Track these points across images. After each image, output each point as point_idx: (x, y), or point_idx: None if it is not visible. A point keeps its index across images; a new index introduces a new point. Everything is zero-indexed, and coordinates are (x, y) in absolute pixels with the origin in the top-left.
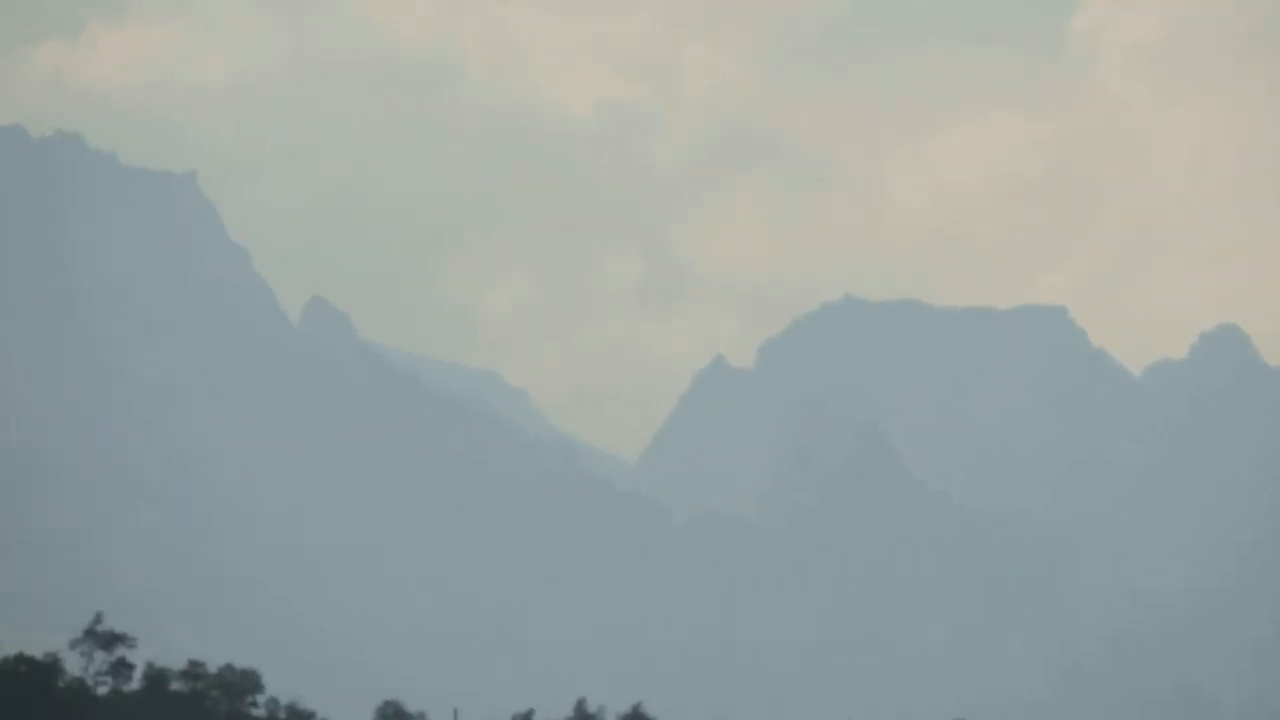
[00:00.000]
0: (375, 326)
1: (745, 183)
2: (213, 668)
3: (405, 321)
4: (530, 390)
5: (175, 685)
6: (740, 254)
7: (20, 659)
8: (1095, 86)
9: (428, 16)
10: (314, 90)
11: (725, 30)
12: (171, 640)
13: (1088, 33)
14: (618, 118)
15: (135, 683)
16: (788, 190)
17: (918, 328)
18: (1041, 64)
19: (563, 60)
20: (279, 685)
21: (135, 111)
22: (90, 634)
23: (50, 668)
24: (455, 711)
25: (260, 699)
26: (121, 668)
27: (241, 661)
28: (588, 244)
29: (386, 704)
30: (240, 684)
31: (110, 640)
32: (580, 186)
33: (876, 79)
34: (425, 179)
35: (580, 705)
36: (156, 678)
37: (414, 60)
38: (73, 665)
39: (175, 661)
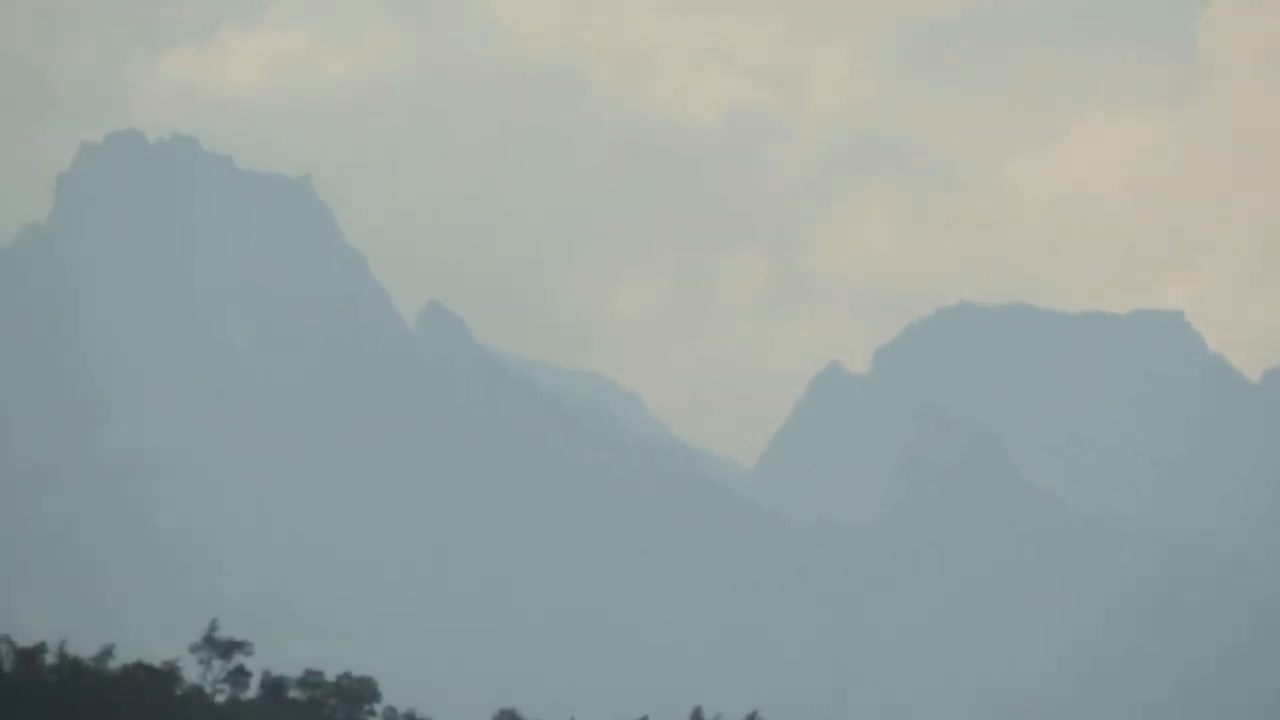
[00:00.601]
0: (491, 331)
1: (868, 187)
2: (330, 676)
3: (522, 327)
4: (645, 395)
5: (293, 693)
6: (861, 259)
7: (140, 666)
8: (1223, 87)
9: (556, 24)
10: (440, 97)
11: (848, 35)
12: (289, 648)
13: (1217, 32)
14: (742, 123)
15: (253, 690)
16: (911, 194)
17: (1032, 332)
18: (1169, 64)
19: (688, 67)
20: (392, 692)
21: (262, 116)
22: (208, 641)
23: (169, 675)
24: (572, 719)
25: (378, 707)
26: (239, 675)
27: (361, 670)
28: (711, 250)
29: (503, 713)
30: (358, 692)
31: (228, 648)
32: (705, 192)
33: (1001, 81)
34: (550, 186)
35: (696, 713)
36: (274, 686)
37: (541, 67)
38: (191, 673)
39: (292, 670)
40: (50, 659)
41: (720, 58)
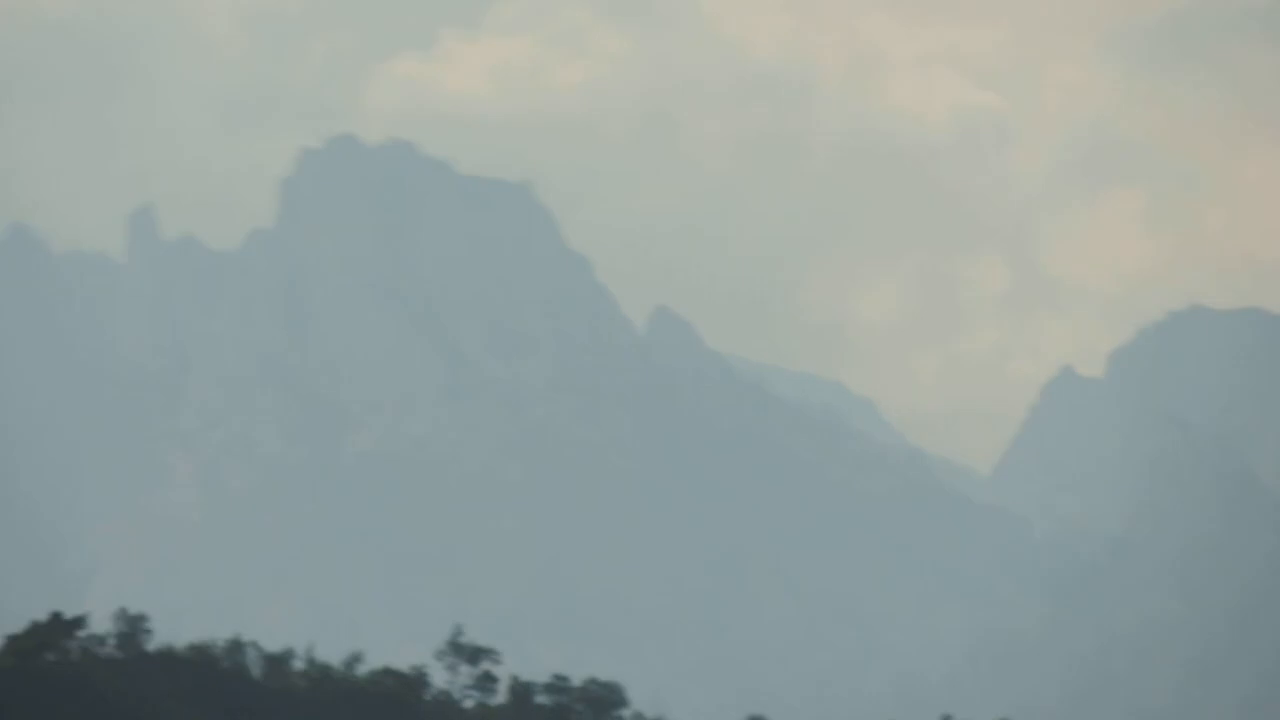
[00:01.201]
0: (722, 337)
1: (1104, 190)
2: (576, 681)
3: (753, 332)
4: (879, 401)
5: (540, 699)
6: (1099, 262)
7: (387, 672)
8: None
9: (783, 29)
10: (666, 103)
11: (1081, 36)
12: (535, 654)
13: None
14: (976, 126)
15: (500, 696)
16: (1148, 197)
17: (1267, 336)
18: None
19: (919, 71)
20: (640, 696)
21: (484, 123)
22: (455, 647)
23: (416, 681)
24: None
25: (624, 713)
26: (486, 681)
27: (606, 674)
28: (950, 254)
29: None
30: (605, 697)
31: (475, 654)
32: (941, 196)
33: (1238, 79)
34: (782, 191)
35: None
36: (522, 691)
37: (769, 73)
38: (438, 679)
39: (539, 675)
40: (298, 664)
41: (951, 61)
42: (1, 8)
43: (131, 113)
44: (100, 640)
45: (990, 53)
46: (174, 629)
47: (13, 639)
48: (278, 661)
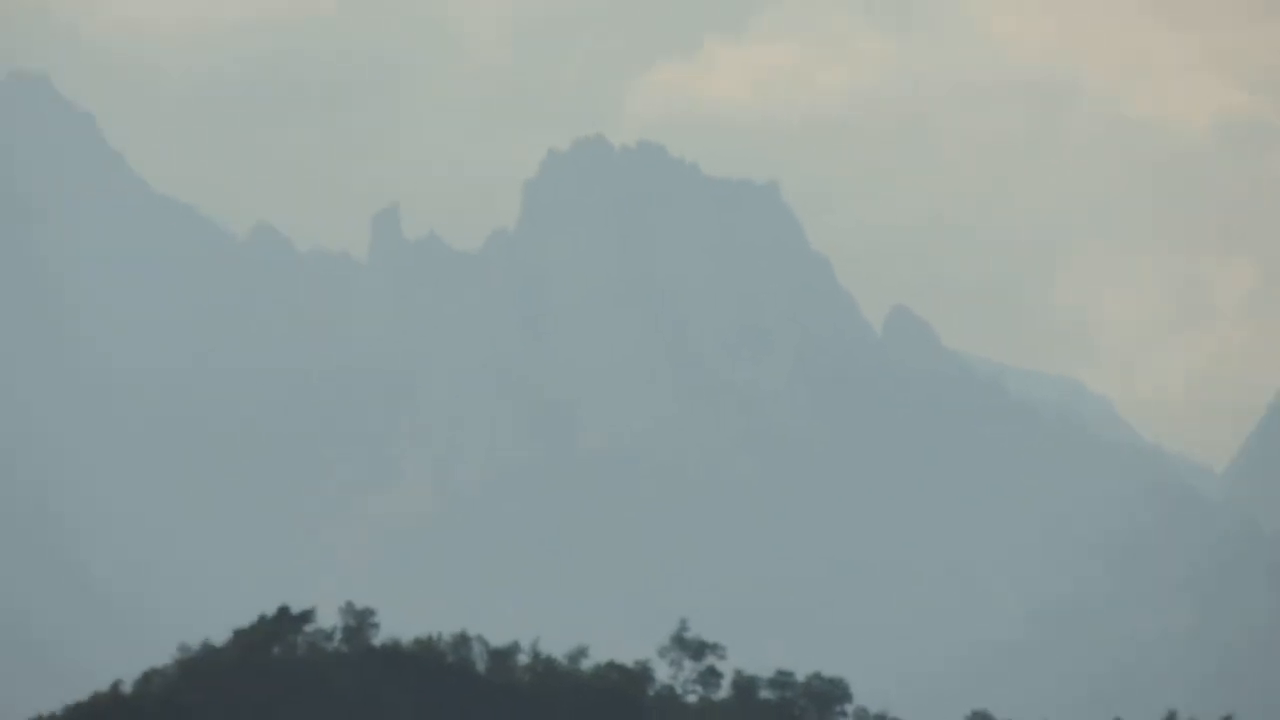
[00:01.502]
0: (959, 336)
1: None
2: (800, 676)
3: (990, 331)
4: (1117, 399)
5: (764, 694)
6: None
7: (612, 666)
8: None
9: (1048, 34)
10: (922, 106)
11: None
12: (760, 649)
13: None
14: (1236, 131)
15: (724, 691)
16: None
17: None
18: None
19: (1181, 74)
20: (862, 692)
21: (742, 127)
22: (679, 642)
23: (640, 675)
24: None
25: (848, 708)
26: (710, 676)
27: (831, 670)
28: (1196, 256)
29: (975, 713)
30: (828, 693)
31: (699, 649)
32: (1193, 199)
33: None
34: (1031, 194)
35: (1171, 716)
36: (745, 686)
37: (1031, 75)
38: (662, 674)
39: (763, 670)
40: (523, 659)
41: (1216, 65)
42: (266, 15)
43: (384, 115)
44: (327, 635)
45: (1257, 56)
46: (402, 624)
47: (240, 633)
48: (502, 656)
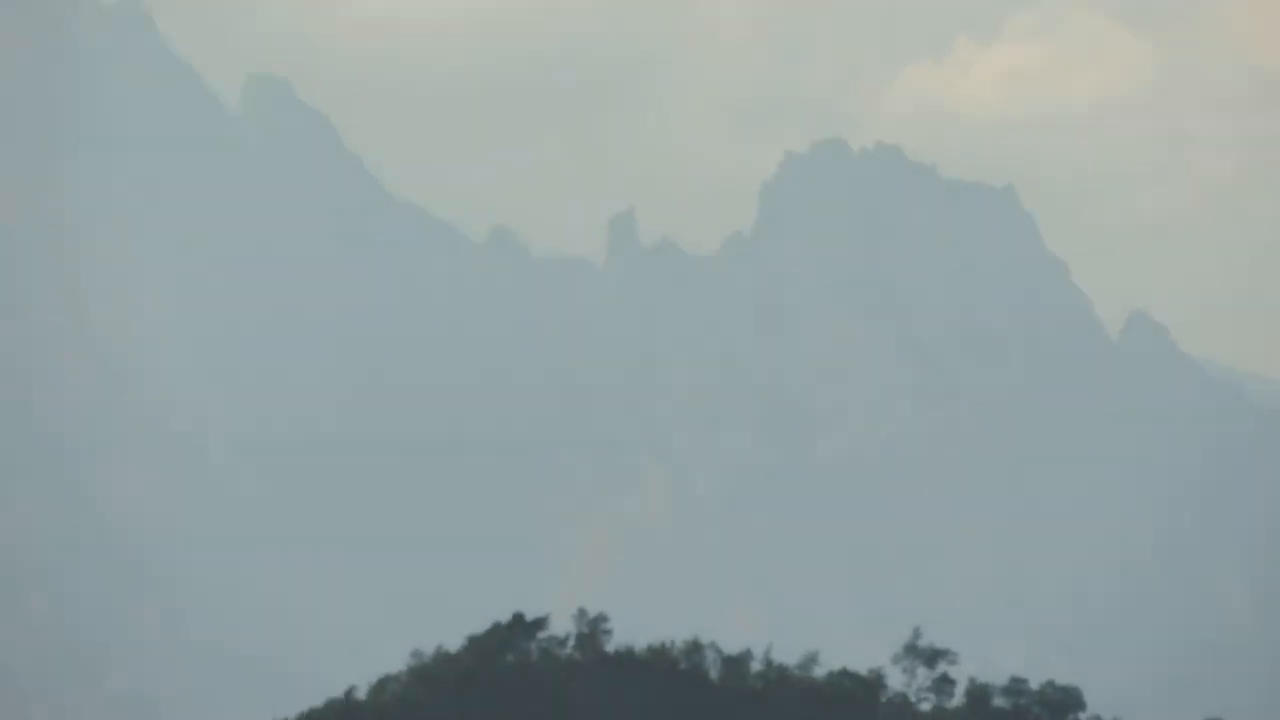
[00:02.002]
0: (1197, 340)
1: None
2: (1034, 684)
3: (1231, 336)
4: None
5: (997, 702)
6: None
7: (845, 674)
8: None
9: None
10: (1175, 107)
11: None
12: (996, 656)
13: None
14: None
15: (957, 699)
16: None
17: None
18: None
19: None
20: (1098, 701)
21: (988, 129)
22: (912, 649)
23: (873, 683)
24: None
25: (1082, 716)
26: (943, 684)
27: (1064, 678)
28: None
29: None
30: (1062, 701)
31: (933, 656)
32: None
33: None
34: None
35: None
36: (979, 694)
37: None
38: (895, 681)
39: (997, 678)
40: (756, 666)
41: None
42: (504, 19)
43: (621, 118)
44: (560, 641)
45: None
46: (635, 630)
47: (473, 640)
48: (735, 663)
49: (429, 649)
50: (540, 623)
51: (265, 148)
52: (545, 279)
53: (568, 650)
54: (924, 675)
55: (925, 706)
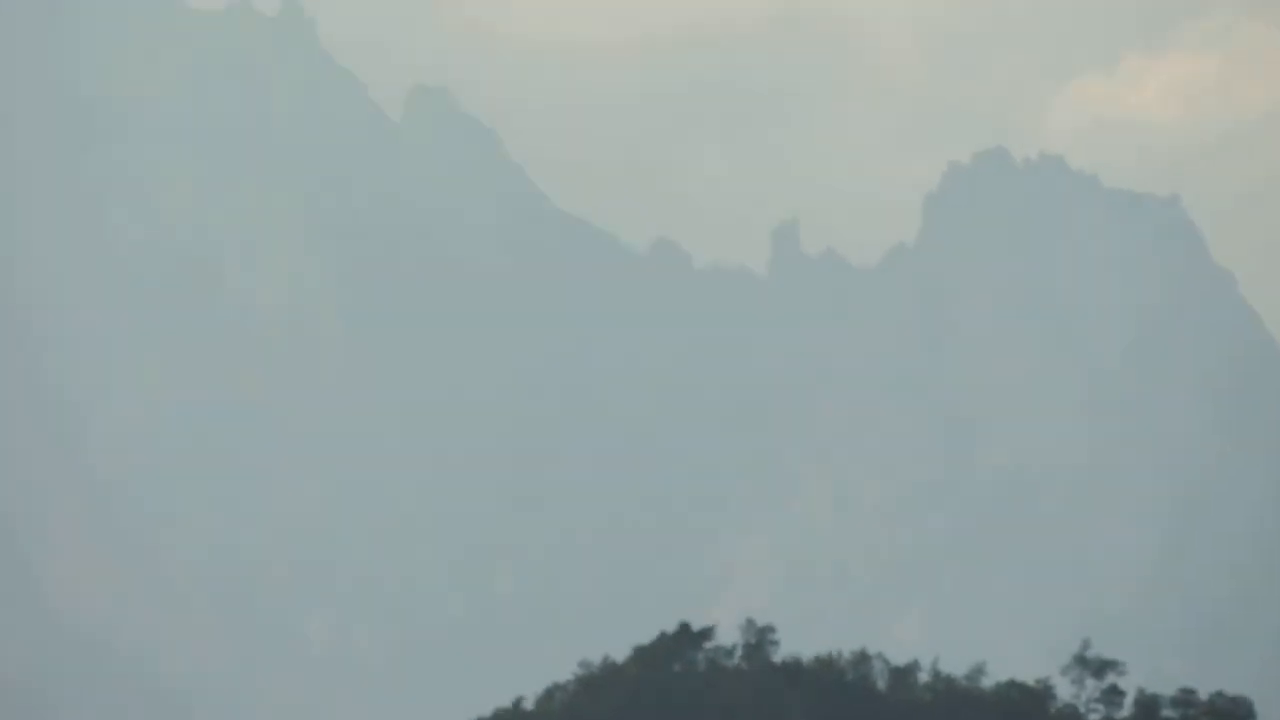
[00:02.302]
0: None
1: None
2: (1203, 695)
3: None
4: None
5: (1166, 713)
6: None
7: (1013, 685)
8: None
9: None
10: None
11: None
12: (1162, 667)
13: None
14: None
15: (1125, 710)
16: None
17: None
18: None
19: None
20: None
21: (1153, 140)
22: (1081, 660)
23: (1041, 694)
24: None
25: None
26: (1112, 695)
27: (1235, 689)
28: None
29: None
30: (1231, 712)
31: (1101, 666)
32: None
33: None
34: None
35: None
36: (1148, 705)
37: None
38: (1064, 692)
39: (1165, 688)
40: (923, 677)
41: None
42: (668, 31)
43: (785, 129)
44: (727, 652)
45: None
46: (802, 641)
47: (640, 649)
48: (902, 674)
49: (596, 659)
50: (707, 633)
51: (427, 157)
52: (707, 290)
53: (734, 660)
54: (1092, 686)
55: (1094, 718)
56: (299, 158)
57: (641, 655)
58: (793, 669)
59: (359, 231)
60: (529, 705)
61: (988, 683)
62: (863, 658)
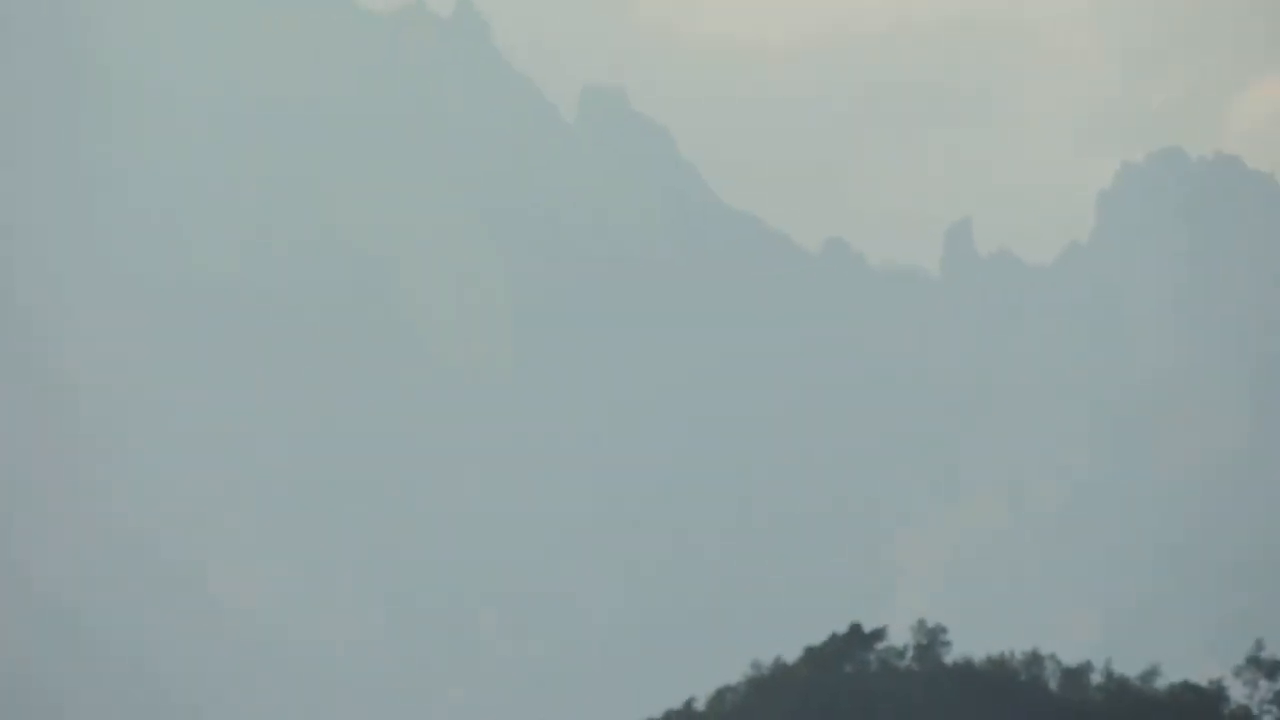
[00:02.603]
0: None
1: None
2: None
3: None
4: None
5: None
6: None
7: (1186, 686)
8: None
9: None
10: None
11: None
12: None
13: None
14: None
15: None
16: None
17: None
18: None
19: None
20: None
21: None
22: (1254, 662)
23: (1215, 695)
24: None
25: None
26: None
27: None
28: None
29: None
30: None
31: (1274, 668)
32: None
33: None
34: None
35: None
36: None
37: None
38: (1237, 693)
39: None
40: (1096, 678)
41: None
42: (843, 31)
43: (957, 130)
44: (899, 653)
45: None
46: (974, 642)
47: (811, 650)
48: (1075, 675)
49: (767, 660)
50: (878, 634)
51: (600, 158)
52: (880, 289)
53: (906, 661)
54: (1266, 688)
55: (1268, 719)
56: (472, 159)
57: (812, 656)
58: (964, 670)
59: (532, 232)
60: (700, 706)
61: (1161, 684)
62: (1035, 658)
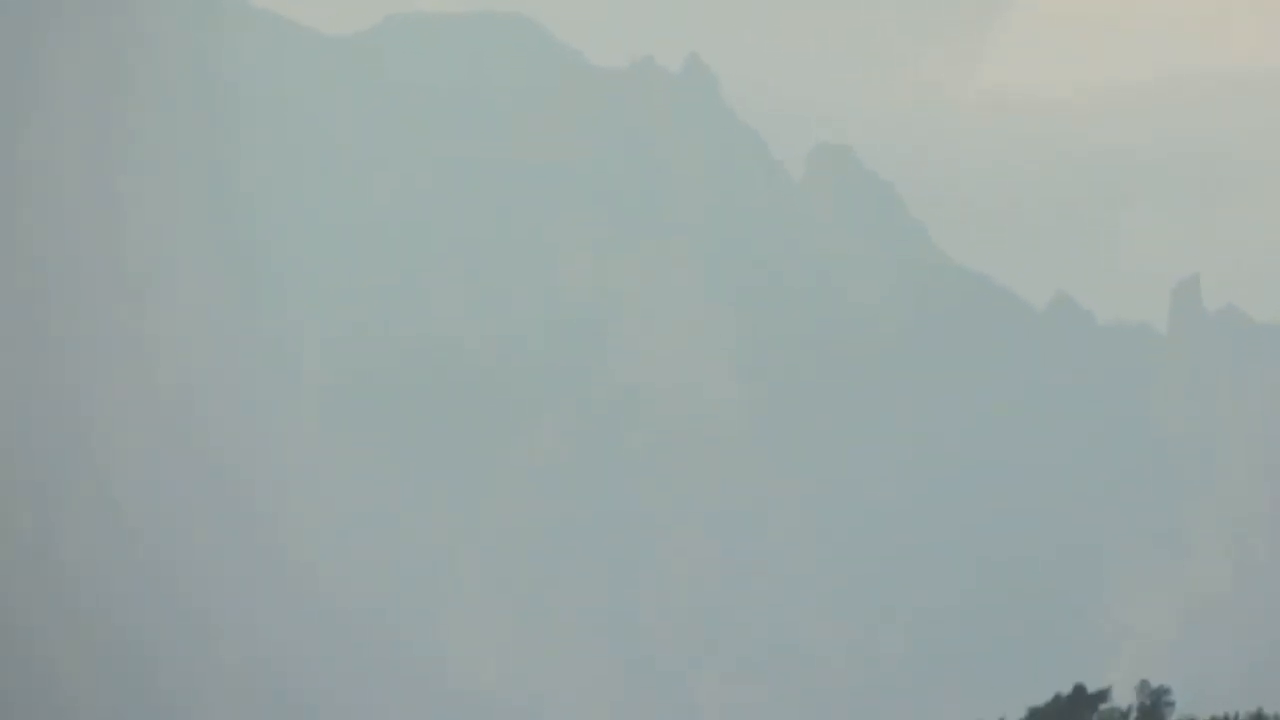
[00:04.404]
0: None
1: None
2: None
3: None
4: None
5: None
6: None
7: None
8: None
9: None
10: None
11: None
12: None
13: None
14: None
15: None
16: None
17: None
18: None
19: None
20: None
21: None
22: None
23: None
24: None
25: None
26: None
27: None
28: None
29: None
30: None
31: None
32: None
33: None
34: None
35: None
36: None
37: None
38: None
39: None
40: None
41: None
42: (1068, 93)
43: (1183, 188)
44: (1122, 714)
45: None
46: (1200, 702)
47: (1035, 711)
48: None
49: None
50: (1102, 695)
51: (828, 217)
52: (1108, 347)
53: None
54: None
55: None
56: (699, 217)
57: (1035, 717)
58: None
59: (759, 292)
60: None
61: None
62: (1259, 717)
